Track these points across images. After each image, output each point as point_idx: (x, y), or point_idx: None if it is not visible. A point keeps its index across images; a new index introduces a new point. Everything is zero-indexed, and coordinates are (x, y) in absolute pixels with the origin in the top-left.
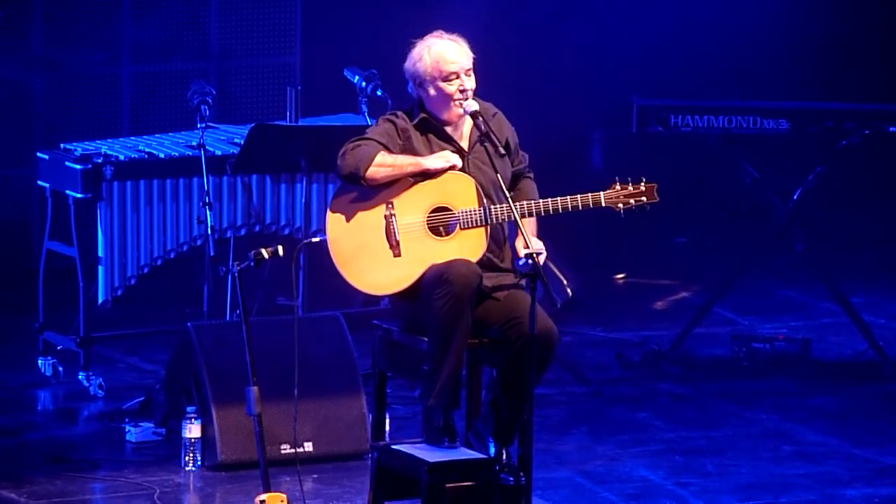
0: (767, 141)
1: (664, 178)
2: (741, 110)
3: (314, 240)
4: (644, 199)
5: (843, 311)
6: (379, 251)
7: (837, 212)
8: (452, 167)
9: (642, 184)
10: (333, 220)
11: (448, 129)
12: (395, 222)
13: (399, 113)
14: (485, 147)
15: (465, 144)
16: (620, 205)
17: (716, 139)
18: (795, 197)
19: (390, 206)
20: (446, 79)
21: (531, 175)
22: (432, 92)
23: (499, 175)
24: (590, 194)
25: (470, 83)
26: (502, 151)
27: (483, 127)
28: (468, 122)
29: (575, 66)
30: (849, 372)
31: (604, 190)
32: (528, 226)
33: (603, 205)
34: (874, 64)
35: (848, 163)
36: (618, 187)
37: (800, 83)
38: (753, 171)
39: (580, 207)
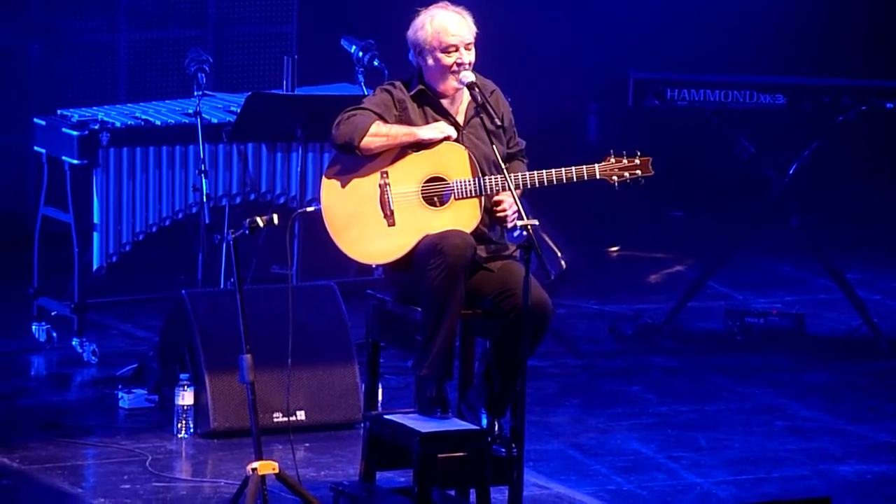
0: (764, 116)
1: (660, 151)
2: (738, 85)
3: (309, 209)
4: (639, 172)
5: (838, 287)
6: (373, 220)
7: (833, 187)
8: (447, 138)
9: (637, 157)
10: (328, 189)
11: (445, 103)
12: (389, 191)
13: (397, 83)
14: (481, 120)
15: (461, 119)
16: (615, 177)
17: (712, 113)
18: (791, 172)
19: (385, 175)
20: (445, 50)
21: (525, 160)
22: (430, 62)
23: (494, 149)
24: (584, 166)
25: (468, 56)
26: (498, 123)
27: (479, 98)
28: (466, 97)
29: (572, 39)
30: (843, 348)
31: (598, 162)
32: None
33: (597, 177)
34: (872, 40)
35: (844, 138)
36: (612, 160)
37: (797, 58)
38: (749, 146)
39: (574, 179)
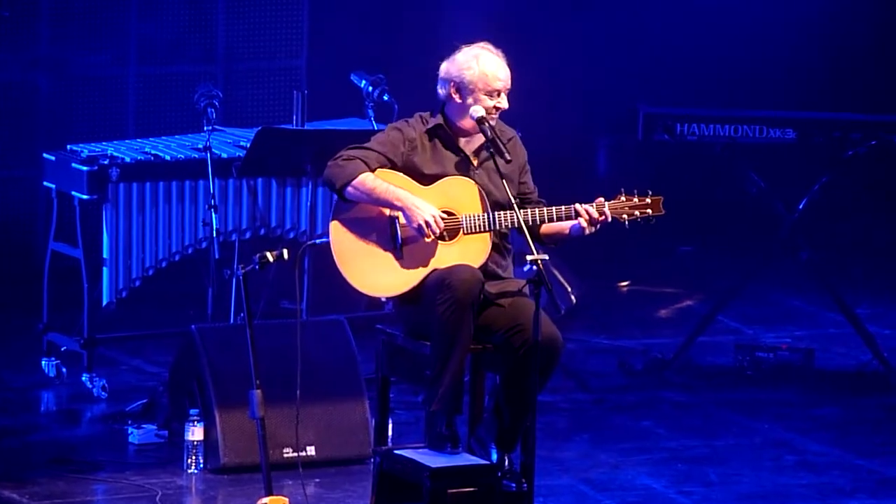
0: (773, 150)
1: (669, 186)
2: (747, 119)
3: (318, 241)
4: (649, 211)
5: (848, 322)
6: (381, 253)
7: (843, 222)
8: (424, 228)
9: (648, 196)
10: (337, 221)
11: (461, 141)
12: (398, 224)
13: (413, 119)
14: (494, 162)
15: (475, 158)
16: (625, 216)
17: (722, 148)
18: (801, 206)
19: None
20: (489, 93)
21: (543, 201)
22: (469, 101)
23: (506, 187)
24: (595, 203)
25: (505, 103)
26: (508, 157)
27: (489, 133)
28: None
29: (582, 73)
30: (852, 383)
31: (609, 200)
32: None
33: (608, 215)
34: (881, 75)
35: (854, 173)
36: (623, 198)
37: (807, 93)
38: (759, 181)
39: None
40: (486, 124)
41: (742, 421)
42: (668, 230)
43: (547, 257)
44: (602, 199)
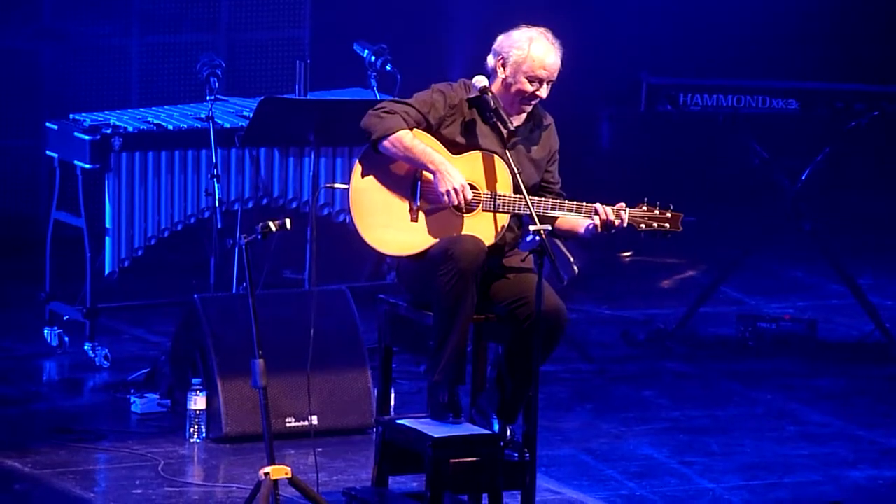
0: (776, 121)
1: (672, 156)
2: (750, 90)
3: (337, 185)
4: (667, 225)
5: (850, 292)
6: (397, 210)
7: (845, 193)
8: (451, 194)
9: (669, 210)
10: (362, 170)
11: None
12: (420, 187)
13: (458, 84)
14: (525, 147)
15: (508, 137)
16: (643, 225)
17: (725, 118)
18: (804, 177)
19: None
20: (531, 79)
21: (564, 195)
22: (510, 80)
23: (518, 175)
24: (615, 207)
25: (545, 93)
26: (511, 128)
27: (492, 103)
28: (521, 118)
29: (585, 43)
30: (855, 353)
31: (631, 207)
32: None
33: (625, 222)
34: (885, 45)
35: (857, 144)
36: (644, 207)
37: (810, 63)
38: (762, 151)
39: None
40: (489, 94)
41: (744, 391)
42: (670, 200)
43: (550, 227)
44: (623, 204)
